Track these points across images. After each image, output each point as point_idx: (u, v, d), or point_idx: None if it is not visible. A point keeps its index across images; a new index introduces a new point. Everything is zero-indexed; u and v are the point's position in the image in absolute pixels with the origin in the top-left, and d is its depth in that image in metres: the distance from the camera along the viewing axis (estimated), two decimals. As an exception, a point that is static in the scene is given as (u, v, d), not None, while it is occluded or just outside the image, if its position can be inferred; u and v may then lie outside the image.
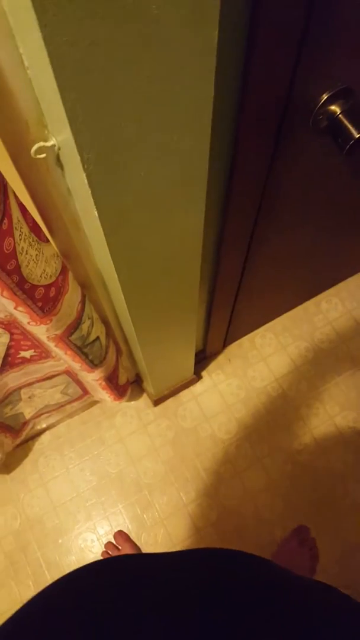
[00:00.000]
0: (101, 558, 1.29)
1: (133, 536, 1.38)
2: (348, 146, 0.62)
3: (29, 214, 0.60)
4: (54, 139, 0.49)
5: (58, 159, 0.52)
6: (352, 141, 0.61)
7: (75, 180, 0.51)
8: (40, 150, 0.49)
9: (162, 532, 1.38)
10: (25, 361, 1.00)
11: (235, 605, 0.44)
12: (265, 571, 0.56)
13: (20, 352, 0.95)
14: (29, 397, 1.20)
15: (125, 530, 1.38)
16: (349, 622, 0.43)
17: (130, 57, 0.35)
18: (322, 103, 0.61)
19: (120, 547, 1.35)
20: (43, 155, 0.50)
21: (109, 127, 0.40)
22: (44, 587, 0.50)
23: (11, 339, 0.89)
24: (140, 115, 0.41)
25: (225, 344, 1.59)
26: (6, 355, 0.94)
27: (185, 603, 0.43)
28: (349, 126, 0.61)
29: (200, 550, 0.64)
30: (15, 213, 0.56)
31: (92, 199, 0.49)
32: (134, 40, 0.34)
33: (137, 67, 0.36)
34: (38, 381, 1.12)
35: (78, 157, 0.43)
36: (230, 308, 1.23)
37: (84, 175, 0.45)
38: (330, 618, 0.43)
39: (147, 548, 1.36)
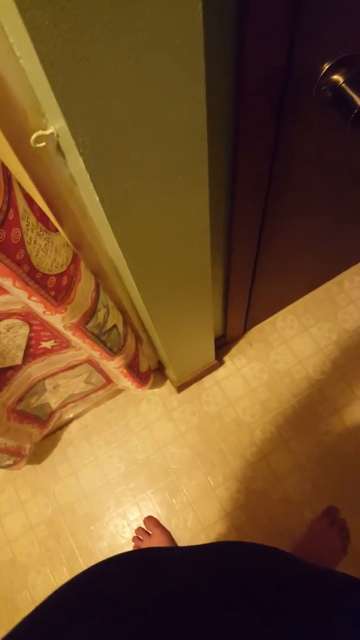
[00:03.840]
0: (132, 543, 1.31)
1: (163, 521, 1.40)
2: (353, 115, 0.60)
3: (36, 204, 0.61)
4: (52, 127, 0.49)
5: (59, 147, 0.53)
6: (357, 110, 0.59)
7: (76, 166, 0.52)
8: (39, 139, 0.50)
9: (191, 516, 1.39)
10: (47, 351, 1.02)
11: (258, 599, 0.44)
12: (287, 565, 0.56)
13: (41, 342, 0.97)
14: (54, 387, 1.23)
15: (154, 516, 1.40)
16: None
17: (114, 37, 0.35)
18: (324, 73, 0.60)
19: (150, 532, 1.37)
20: (43, 144, 0.51)
21: (100, 110, 0.41)
22: (74, 576, 0.51)
23: (31, 330, 0.91)
24: (130, 95, 0.41)
25: (246, 328, 1.58)
26: (27, 346, 0.96)
27: (207, 597, 0.43)
28: (353, 95, 0.60)
29: (220, 545, 0.65)
30: (21, 204, 0.57)
31: (91, 184, 0.49)
32: (115, 20, 0.34)
33: (122, 47, 0.36)
34: (61, 371, 1.14)
35: (73, 142, 0.43)
36: (247, 291, 1.22)
37: (80, 160, 0.46)
38: (350, 610, 0.43)
39: (177, 532, 1.38)
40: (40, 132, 0.49)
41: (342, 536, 1.31)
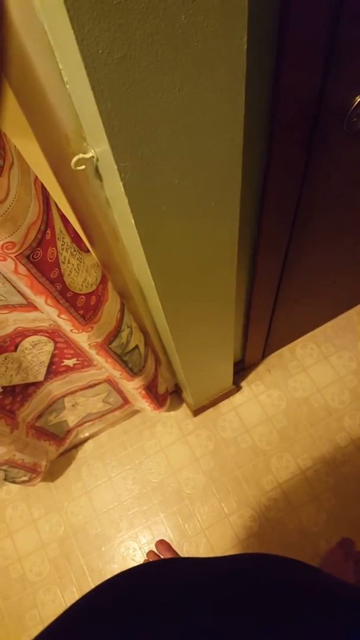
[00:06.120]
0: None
1: (175, 546, 1.38)
2: (383, 148, 0.61)
3: (71, 225, 0.63)
4: (92, 151, 0.51)
5: (97, 171, 0.54)
6: (387, 143, 0.61)
7: (113, 190, 0.53)
8: (80, 162, 0.51)
9: (203, 542, 1.37)
10: (69, 369, 1.03)
11: (282, 612, 0.43)
12: (314, 579, 0.55)
13: (64, 360, 0.98)
14: (73, 405, 1.23)
15: (166, 540, 1.38)
16: None
17: (162, 66, 0.37)
18: (356, 105, 0.61)
19: (162, 556, 1.35)
20: (82, 167, 0.52)
21: (143, 135, 0.42)
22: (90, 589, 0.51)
23: (55, 348, 0.92)
24: (173, 123, 0.42)
25: (265, 354, 1.58)
26: (51, 363, 0.97)
27: (230, 606, 0.43)
28: (384, 128, 0.61)
29: (246, 556, 0.64)
30: (58, 224, 0.58)
31: (128, 207, 0.50)
32: (165, 50, 0.36)
33: (169, 76, 0.38)
34: (81, 389, 1.15)
35: (115, 167, 0.45)
36: (268, 317, 1.23)
37: (120, 184, 0.47)
38: None
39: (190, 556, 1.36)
40: (81, 156, 0.51)
41: (357, 569, 1.28)
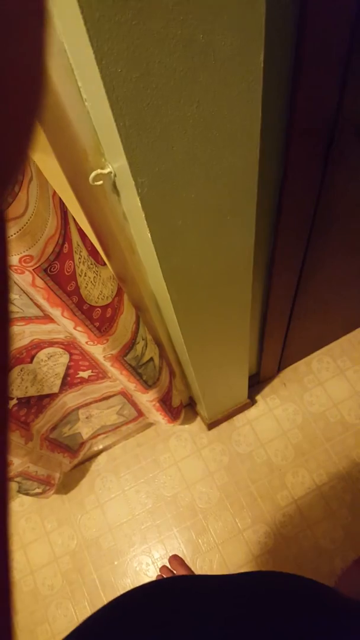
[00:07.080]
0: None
1: (188, 561, 1.36)
2: None
3: (88, 238, 0.63)
4: (110, 167, 0.52)
5: (114, 186, 0.55)
6: None
7: (130, 204, 0.54)
8: (97, 177, 0.52)
9: (217, 558, 1.36)
10: (84, 381, 1.03)
11: (287, 620, 0.43)
12: (323, 593, 0.54)
13: (79, 372, 0.99)
14: (87, 418, 1.23)
15: (180, 555, 1.37)
16: None
17: (179, 84, 0.37)
18: (373, 121, 0.61)
19: (175, 572, 1.33)
20: (100, 183, 0.53)
21: (161, 152, 0.42)
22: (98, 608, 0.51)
23: (70, 360, 0.93)
24: (190, 139, 0.43)
25: (280, 367, 1.57)
26: (66, 375, 0.98)
27: (238, 615, 0.43)
28: None
29: (256, 572, 0.63)
30: (75, 238, 0.59)
31: (145, 222, 0.51)
32: (183, 68, 0.36)
33: (186, 93, 0.38)
34: (95, 401, 1.15)
35: (132, 182, 0.45)
36: (284, 330, 1.22)
37: (137, 199, 0.47)
38: None
39: (201, 573, 1.34)
40: (99, 171, 0.52)
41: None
